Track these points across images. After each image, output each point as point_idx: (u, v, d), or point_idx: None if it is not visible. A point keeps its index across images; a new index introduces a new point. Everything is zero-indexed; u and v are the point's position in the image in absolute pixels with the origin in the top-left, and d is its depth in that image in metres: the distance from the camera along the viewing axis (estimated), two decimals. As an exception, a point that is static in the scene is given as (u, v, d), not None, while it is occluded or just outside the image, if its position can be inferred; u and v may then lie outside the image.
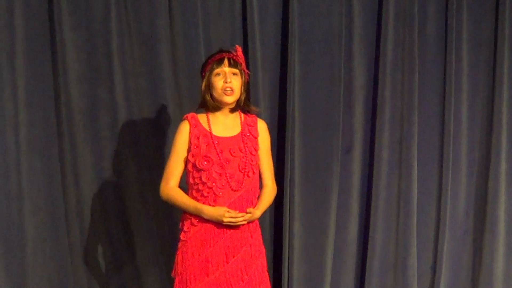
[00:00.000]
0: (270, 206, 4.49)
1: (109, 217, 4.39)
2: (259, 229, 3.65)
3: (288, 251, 4.53)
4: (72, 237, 4.35)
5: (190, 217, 3.55)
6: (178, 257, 3.59)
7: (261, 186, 3.70)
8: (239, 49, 3.63)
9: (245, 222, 3.52)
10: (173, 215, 4.33)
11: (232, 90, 3.53)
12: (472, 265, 4.98)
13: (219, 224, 3.50)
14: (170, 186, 3.58)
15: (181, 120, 3.65)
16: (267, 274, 3.66)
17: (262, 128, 3.69)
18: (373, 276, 4.70)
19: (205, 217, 3.49)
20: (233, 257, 3.51)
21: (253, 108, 3.70)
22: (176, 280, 3.58)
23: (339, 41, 4.55)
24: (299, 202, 4.54)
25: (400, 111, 4.69)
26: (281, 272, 4.55)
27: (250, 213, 3.50)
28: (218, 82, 3.54)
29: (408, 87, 4.68)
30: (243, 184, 3.53)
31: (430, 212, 4.83)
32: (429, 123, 4.78)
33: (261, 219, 4.42)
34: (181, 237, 3.59)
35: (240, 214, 3.49)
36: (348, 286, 4.75)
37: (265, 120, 4.38)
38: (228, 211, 3.46)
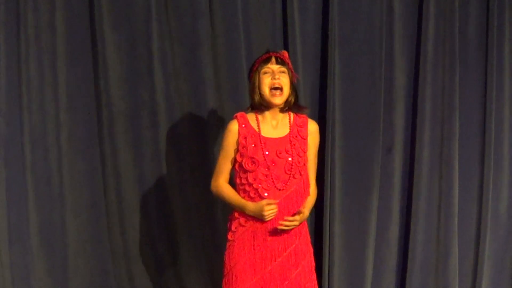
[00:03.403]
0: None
1: (151, 218, 4.40)
2: (307, 228, 3.65)
3: (329, 251, 4.52)
4: (113, 238, 4.37)
5: (238, 217, 3.56)
6: (226, 257, 3.60)
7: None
8: (286, 53, 3.64)
9: (298, 224, 3.51)
10: (215, 216, 4.35)
11: (281, 89, 3.52)
12: (515, 266, 4.94)
13: (266, 224, 3.50)
14: (218, 183, 3.61)
15: (232, 118, 3.63)
16: (314, 273, 3.65)
17: (313, 130, 3.67)
18: (414, 276, 4.67)
19: (248, 212, 3.51)
20: (280, 257, 3.51)
21: (303, 108, 3.68)
22: (224, 280, 3.60)
23: (380, 40, 4.53)
24: (339, 202, 4.52)
25: (441, 110, 4.65)
26: (322, 273, 4.52)
27: (302, 212, 3.50)
28: (266, 80, 3.53)
29: (449, 87, 4.64)
30: (288, 184, 3.51)
31: (471, 212, 4.79)
32: (470, 122, 4.74)
33: (302, 219, 4.47)
34: (229, 237, 3.59)
35: (291, 218, 3.48)
36: (389, 286, 4.72)
37: (305, 120, 4.42)
38: (268, 203, 3.45)
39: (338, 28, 4.46)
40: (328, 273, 4.53)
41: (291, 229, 3.51)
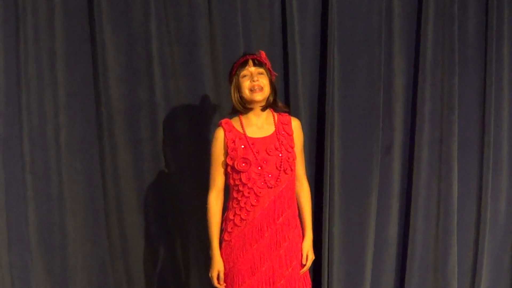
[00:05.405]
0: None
1: (149, 218, 4.40)
2: (299, 226, 3.72)
3: (328, 251, 4.53)
4: (112, 238, 4.38)
5: (232, 218, 3.63)
6: (223, 257, 3.66)
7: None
8: (263, 53, 3.71)
9: (309, 264, 3.71)
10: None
11: (261, 87, 3.60)
12: (513, 267, 4.94)
13: (261, 222, 3.58)
14: (211, 198, 3.67)
15: (216, 126, 3.72)
16: (308, 271, 3.75)
17: (296, 126, 3.73)
18: (413, 276, 4.68)
19: (210, 252, 3.69)
20: (276, 252, 3.59)
21: (282, 106, 3.76)
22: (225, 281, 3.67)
23: (379, 41, 4.53)
24: (338, 202, 4.52)
25: (440, 111, 4.65)
26: (321, 273, 4.53)
27: (307, 258, 3.72)
28: (246, 83, 3.62)
29: (448, 87, 4.64)
30: (279, 180, 3.59)
31: (470, 212, 4.80)
32: (469, 122, 4.74)
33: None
34: (225, 237, 3.66)
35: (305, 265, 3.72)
36: (388, 286, 4.73)
37: (304, 120, 4.44)
38: (217, 276, 3.66)
39: (337, 28, 4.45)
40: (327, 273, 4.53)
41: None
